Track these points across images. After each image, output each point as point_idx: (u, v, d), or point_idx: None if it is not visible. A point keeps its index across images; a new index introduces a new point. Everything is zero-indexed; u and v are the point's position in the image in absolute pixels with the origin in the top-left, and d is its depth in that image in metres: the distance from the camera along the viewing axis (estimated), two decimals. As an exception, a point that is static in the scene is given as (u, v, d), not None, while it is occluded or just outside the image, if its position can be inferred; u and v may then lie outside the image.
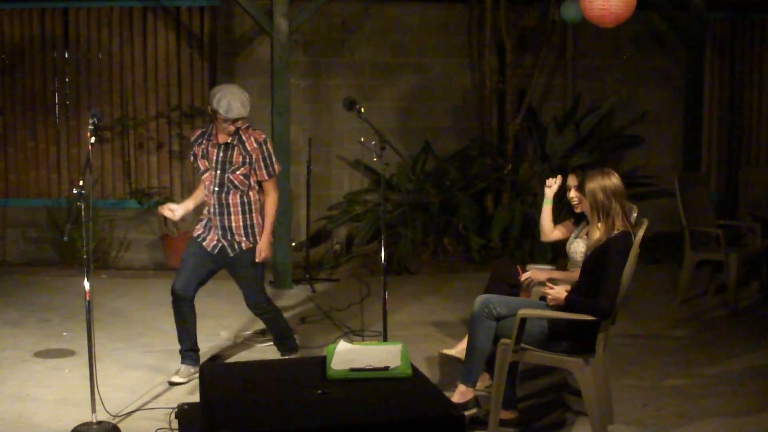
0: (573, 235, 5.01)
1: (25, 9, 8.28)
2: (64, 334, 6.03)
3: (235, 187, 4.96)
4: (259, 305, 5.13)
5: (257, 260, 5.02)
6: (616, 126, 9.15)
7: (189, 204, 5.18)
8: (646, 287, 7.28)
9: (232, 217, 4.99)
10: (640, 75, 9.18)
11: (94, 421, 4.23)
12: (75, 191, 4.20)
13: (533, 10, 8.88)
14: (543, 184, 5.33)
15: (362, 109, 5.11)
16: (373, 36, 8.76)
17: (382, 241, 4.90)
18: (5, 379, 5.06)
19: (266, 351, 5.72)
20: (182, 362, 5.16)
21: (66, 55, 8.39)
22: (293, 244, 7.92)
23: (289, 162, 7.57)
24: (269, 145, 5.02)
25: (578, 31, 8.87)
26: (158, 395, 4.85)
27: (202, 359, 5.43)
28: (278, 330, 5.27)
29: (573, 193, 4.90)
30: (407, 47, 8.83)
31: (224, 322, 6.34)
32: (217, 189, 4.96)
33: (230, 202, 4.98)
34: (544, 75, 8.99)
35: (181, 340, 5.18)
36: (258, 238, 5.03)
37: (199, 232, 5.07)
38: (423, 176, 8.57)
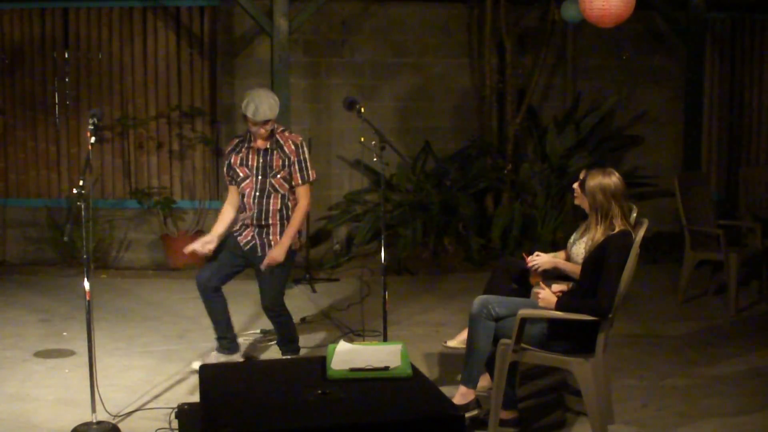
0: (572, 237, 5.02)
1: (25, 9, 8.28)
2: (64, 334, 6.03)
3: (276, 191, 5.03)
4: (275, 308, 5.14)
5: (264, 265, 4.99)
6: (616, 126, 9.15)
7: (220, 229, 5.19)
8: (646, 287, 7.28)
9: (271, 219, 5.04)
10: (640, 75, 9.18)
11: (94, 421, 4.24)
12: (75, 191, 4.20)
13: (533, 10, 8.88)
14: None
15: (362, 109, 5.11)
16: (373, 36, 8.75)
17: (382, 241, 4.90)
18: (5, 379, 5.06)
19: (266, 351, 5.73)
20: (215, 349, 5.27)
21: (66, 55, 8.39)
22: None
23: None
24: (305, 149, 5.09)
25: (578, 31, 8.87)
26: (158, 395, 4.85)
27: (202, 359, 5.44)
28: (287, 333, 5.29)
29: (576, 185, 4.91)
30: (407, 47, 8.82)
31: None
32: (257, 194, 5.02)
33: (270, 206, 5.03)
34: (544, 75, 8.98)
35: (214, 329, 5.26)
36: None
37: (236, 228, 5.14)
38: (423, 176, 8.56)
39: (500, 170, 8.65)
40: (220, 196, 8.25)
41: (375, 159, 5.02)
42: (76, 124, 8.37)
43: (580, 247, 4.82)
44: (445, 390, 4.20)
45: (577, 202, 4.94)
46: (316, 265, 8.14)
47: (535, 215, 8.28)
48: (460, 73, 8.95)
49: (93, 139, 4.34)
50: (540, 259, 4.68)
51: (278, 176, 5.02)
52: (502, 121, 8.91)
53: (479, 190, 8.68)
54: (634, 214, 4.38)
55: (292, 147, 5.04)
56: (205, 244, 5.08)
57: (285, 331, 5.26)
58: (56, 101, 8.46)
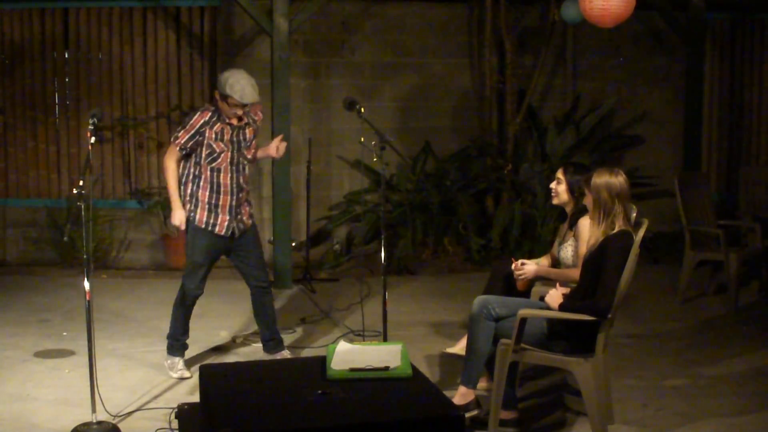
0: (557, 241, 5.03)
1: (25, 9, 8.27)
2: (64, 334, 6.03)
3: (249, 162, 5.12)
4: (267, 277, 5.27)
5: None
6: (616, 126, 9.15)
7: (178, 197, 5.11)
8: (646, 287, 7.28)
9: (243, 195, 5.10)
10: (640, 75, 9.18)
11: (94, 421, 4.24)
12: (75, 191, 4.20)
13: (533, 10, 8.88)
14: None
15: (362, 109, 5.11)
16: (373, 36, 8.75)
17: (382, 241, 4.90)
18: (5, 379, 5.06)
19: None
20: (178, 356, 5.21)
21: (66, 55, 8.38)
22: (293, 244, 7.92)
23: (289, 162, 7.58)
24: None
25: (578, 31, 8.87)
26: (158, 395, 4.85)
27: (203, 359, 5.45)
28: (273, 314, 5.33)
29: (554, 185, 4.93)
30: (407, 47, 8.82)
31: (224, 322, 6.34)
32: (234, 168, 5.03)
33: (242, 179, 5.09)
34: (544, 75, 8.98)
35: (182, 333, 5.23)
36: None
37: (206, 219, 5.04)
38: (423, 176, 8.57)
39: (500, 170, 8.65)
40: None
41: (375, 159, 5.02)
42: (76, 124, 8.36)
43: (567, 250, 4.84)
44: (445, 390, 4.20)
45: (555, 201, 4.98)
46: (316, 265, 8.14)
47: (535, 215, 8.28)
48: (460, 73, 8.95)
49: (93, 139, 4.34)
50: (528, 268, 4.73)
51: (250, 147, 5.11)
52: (502, 121, 8.91)
53: (479, 190, 8.68)
54: (634, 214, 4.38)
55: (260, 114, 5.20)
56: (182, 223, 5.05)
57: (273, 310, 5.32)
58: (56, 101, 8.46)
